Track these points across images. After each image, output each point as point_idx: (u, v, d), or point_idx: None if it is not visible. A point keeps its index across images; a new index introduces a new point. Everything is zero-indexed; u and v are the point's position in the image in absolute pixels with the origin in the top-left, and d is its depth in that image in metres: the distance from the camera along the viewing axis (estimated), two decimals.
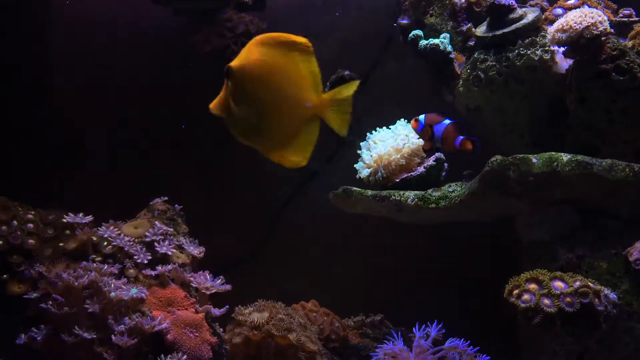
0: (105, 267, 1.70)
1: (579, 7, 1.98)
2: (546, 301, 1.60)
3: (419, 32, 2.17)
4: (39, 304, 1.62)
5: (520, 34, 1.96)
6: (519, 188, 1.77)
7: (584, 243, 1.81)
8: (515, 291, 1.65)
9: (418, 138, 2.06)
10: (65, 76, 2.41)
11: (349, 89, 1.36)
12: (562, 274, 1.67)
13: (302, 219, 2.51)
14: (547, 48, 1.93)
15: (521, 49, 1.94)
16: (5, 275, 1.73)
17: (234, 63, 1.32)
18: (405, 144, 2.04)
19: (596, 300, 1.61)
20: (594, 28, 1.80)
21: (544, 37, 1.94)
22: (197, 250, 1.90)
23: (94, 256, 1.78)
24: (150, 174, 2.36)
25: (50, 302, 1.60)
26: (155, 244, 1.83)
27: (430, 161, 2.03)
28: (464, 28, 2.14)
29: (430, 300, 2.38)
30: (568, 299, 1.60)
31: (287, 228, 2.53)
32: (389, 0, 2.39)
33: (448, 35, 2.15)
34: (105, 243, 1.80)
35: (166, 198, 2.03)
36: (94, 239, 1.81)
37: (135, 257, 1.78)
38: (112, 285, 1.65)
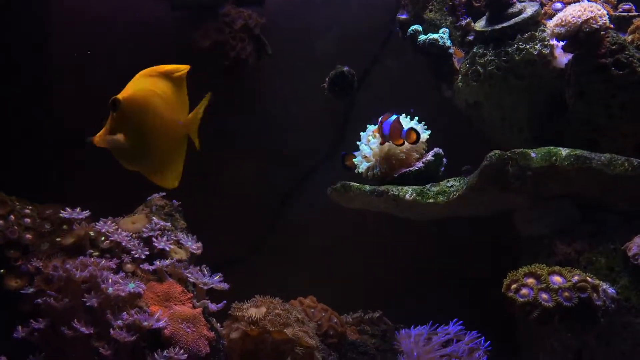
0: (103, 261, 1.70)
1: (578, 1, 1.97)
2: (544, 296, 1.59)
3: (418, 27, 2.17)
4: (36, 298, 1.62)
5: (520, 28, 1.95)
6: (518, 182, 1.77)
7: (583, 238, 1.80)
8: (514, 285, 1.64)
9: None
10: (65, 73, 2.41)
11: (200, 112, 1.64)
12: (560, 268, 1.66)
13: (301, 215, 2.51)
14: (546, 42, 1.92)
15: (520, 43, 1.93)
16: (2, 270, 1.73)
17: (121, 95, 1.50)
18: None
19: (594, 295, 1.61)
20: (593, 22, 1.80)
21: (543, 31, 1.93)
22: (195, 246, 1.91)
23: (92, 251, 1.78)
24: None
25: (49, 296, 1.60)
26: (153, 239, 1.83)
27: (429, 156, 2.03)
28: (463, 23, 2.13)
29: (429, 297, 2.38)
30: (566, 294, 1.60)
31: (285, 224, 2.53)
32: None
33: (447, 30, 2.14)
34: (103, 238, 1.81)
35: (164, 193, 2.03)
36: (92, 233, 1.81)
37: (133, 252, 1.79)
38: (110, 280, 1.65)
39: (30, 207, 1.85)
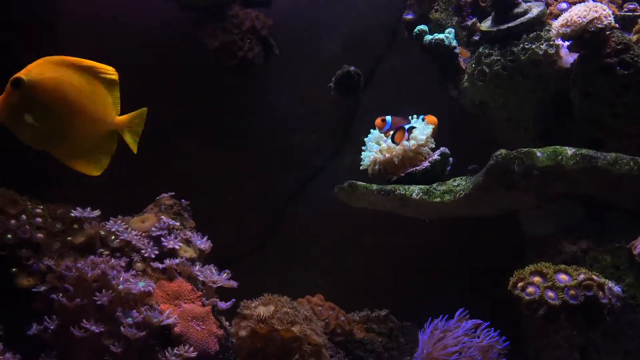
0: (113, 260, 1.71)
1: (583, 1, 1.98)
2: (550, 294, 1.61)
3: (424, 27, 2.17)
4: (47, 297, 1.64)
5: (525, 28, 1.96)
6: (524, 182, 1.78)
7: (589, 236, 1.81)
8: (520, 284, 1.65)
9: (423, 133, 2.06)
10: None
11: (142, 116, 1.71)
12: (566, 267, 1.67)
13: (308, 214, 2.52)
14: (551, 42, 1.93)
15: (526, 43, 1.94)
16: (14, 269, 1.74)
17: (24, 74, 1.53)
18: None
19: (600, 293, 1.62)
20: (598, 22, 1.81)
21: (549, 31, 1.94)
22: (204, 245, 1.92)
23: (102, 250, 1.79)
24: (157, 170, 2.37)
25: (61, 294, 1.62)
26: (162, 238, 1.84)
27: (435, 155, 2.04)
28: (469, 23, 2.14)
29: (436, 296, 2.39)
30: (572, 292, 1.61)
31: (292, 222, 2.54)
32: None
33: (453, 30, 2.15)
34: (113, 237, 1.82)
35: (173, 193, 2.05)
36: (102, 233, 1.82)
37: (143, 251, 1.79)
38: (121, 278, 1.67)
39: (41, 207, 1.86)
